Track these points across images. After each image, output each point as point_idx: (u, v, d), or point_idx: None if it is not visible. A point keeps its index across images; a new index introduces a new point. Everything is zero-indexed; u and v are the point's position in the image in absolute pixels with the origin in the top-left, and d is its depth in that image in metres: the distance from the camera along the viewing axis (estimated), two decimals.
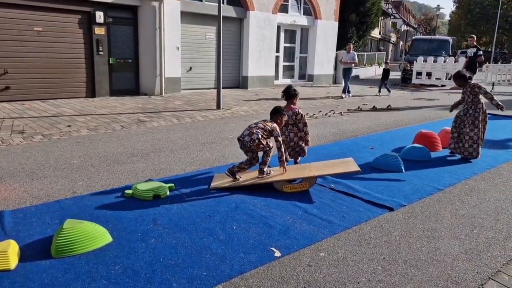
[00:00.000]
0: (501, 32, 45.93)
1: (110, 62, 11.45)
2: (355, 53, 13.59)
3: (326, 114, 9.66)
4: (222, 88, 10.55)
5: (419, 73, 18.00)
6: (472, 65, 11.77)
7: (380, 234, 3.45)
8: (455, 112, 6.14)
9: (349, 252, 3.13)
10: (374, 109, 10.77)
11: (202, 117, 9.06)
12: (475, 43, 12.31)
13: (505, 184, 4.84)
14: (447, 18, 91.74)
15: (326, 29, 17.51)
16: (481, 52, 12.06)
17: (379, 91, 14.62)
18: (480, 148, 5.70)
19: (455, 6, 57.71)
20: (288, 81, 17.06)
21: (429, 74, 17.86)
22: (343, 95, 13.24)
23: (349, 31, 19.01)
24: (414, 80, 18.07)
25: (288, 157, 5.11)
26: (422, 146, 5.78)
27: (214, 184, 4.46)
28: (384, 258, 3.06)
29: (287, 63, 17.13)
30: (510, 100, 13.63)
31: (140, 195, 4.04)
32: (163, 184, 4.23)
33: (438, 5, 42.85)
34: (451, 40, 20.41)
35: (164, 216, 3.65)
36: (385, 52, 30.98)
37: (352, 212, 3.87)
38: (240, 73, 15.17)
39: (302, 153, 5.21)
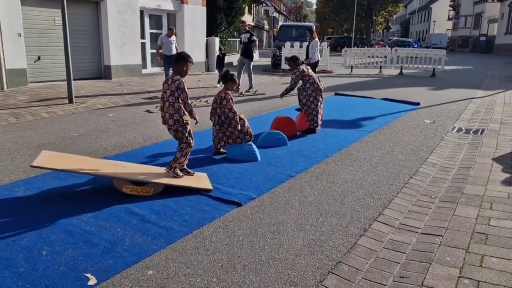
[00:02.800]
0: (359, 19, 50.56)
1: None
2: (175, 40, 11.69)
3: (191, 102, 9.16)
4: (81, 79, 9.36)
5: (287, 58, 18.56)
6: (248, 50, 11.13)
7: (223, 236, 3.10)
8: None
9: (183, 265, 2.70)
10: (240, 94, 10.67)
11: (48, 114, 7.86)
12: (247, 28, 11.55)
13: (353, 164, 4.93)
14: (315, 6, 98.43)
15: (194, 15, 16.92)
16: (254, 38, 11.34)
17: (219, 82, 12.61)
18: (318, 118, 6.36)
19: None
20: (158, 70, 16.15)
21: None
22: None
23: (218, 16, 18.70)
24: (284, 66, 18.59)
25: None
26: (278, 131, 5.66)
27: (37, 161, 3.62)
28: (222, 265, 2.71)
29: (155, 51, 16.15)
30: (366, 81, 14.83)
31: None
32: None
33: None
34: (314, 27, 21.48)
35: None
36: (257, 39, 31.60)
37: (196, 213, 3.46)
38: (102, 62, 13.82)
39: (225, 140, 5.02)
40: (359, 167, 4.82)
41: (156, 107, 8.65)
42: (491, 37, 40.24)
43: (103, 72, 13.85)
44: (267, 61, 23.53)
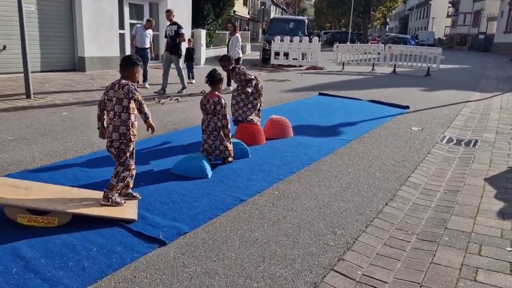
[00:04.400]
0: (356, 14, 49.63)
1: None
2: (151, 33, 10.48)
3: (159, 101, 8.38)
4: (52, 71, 8.47)
5: (277, 53, 17.73)
6: (175, 46, 9.44)
7: None
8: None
9: None
10: (168, 98, 9.08)
11: None
12: (173, 19, 9.67)
13: (320, 184, 4.17)
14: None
15: (179, 5, 16.00)
16: (182, 31, 9.53)
17: (189, 77, 11.69)
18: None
19: None
20: None
21: (286, 54, 17.72)
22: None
23: (205, 8, 17.81)
24: (273, 61, 17.77)
25: (203, 153, 4.52)
26: (239, 141, 4.88)
27: None
28: None
29: None
30: (356, 80, 14.06)
31: None
32: None
33: None
34: (306, 20, 20.64)
35: None
36: (249, 32, 30.72)
37: (101, 256, 2.69)
38: (76, 53, 12.96)
39: (224, 153, 4.51)
40: (327, 188, 4.06)
41: None
42: (490, 35, 39.46)
43: (77, 64, 12.99)
44: (256, 55, 22.69)
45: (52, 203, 3.07)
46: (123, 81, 3.31)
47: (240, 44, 10.63)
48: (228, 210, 3.46)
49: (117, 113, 3.27)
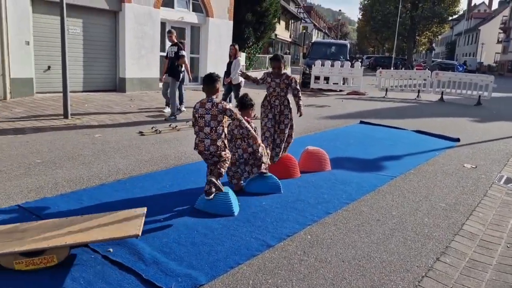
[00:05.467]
0: (400, 39, 48.72)
1: None
2: (184, 55, 9.35)
3: (156, 130, 7.54)
4: (93, 91, 8.56)
5: (317, 78, 17.37)
6: (174, 68, 8.86)
7: None
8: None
9: None
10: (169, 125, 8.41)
11: (32, 130, 7.07)
12: (175, 40, 9.23)
13: (359, 229, 3.67)
14: (357, 24, 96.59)
15: (220, 28, 16.14)
16: (183, 52, 8.97)
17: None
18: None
19: (360, 13, 60.44)
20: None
21: (327, 78, 17.33)
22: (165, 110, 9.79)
23: (246, 31, 17.82)
24: (313, 85, 17.42)
25: (233, 181, 4.41)
26: (270, 174, 4.48)
27: None
28: None
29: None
30: (400, 107, 13.40)
31: None
32: None
33: (340, 10, 44.29)
34: (348, 45, 20.22)
35: None
36: (290, 55, 30.64)
37: None
38: (117, 74, 13.18)
39: (248, 171, 4.38)
40: (367, 235, 3.57)
41: (152, 128, 7.70)
42: None
43: (118, 85, 13.19)
44: (297, 78, 22.42)
45: (47, 240, 2.77)
46: (215, 99, 3.72)
47: (240, 68, 10.05)
48: (252, 257, 3.05)
49: (213, 128, 3.67)
